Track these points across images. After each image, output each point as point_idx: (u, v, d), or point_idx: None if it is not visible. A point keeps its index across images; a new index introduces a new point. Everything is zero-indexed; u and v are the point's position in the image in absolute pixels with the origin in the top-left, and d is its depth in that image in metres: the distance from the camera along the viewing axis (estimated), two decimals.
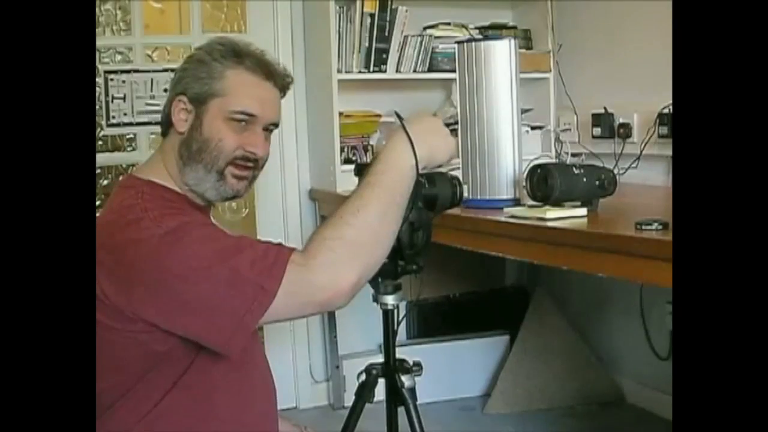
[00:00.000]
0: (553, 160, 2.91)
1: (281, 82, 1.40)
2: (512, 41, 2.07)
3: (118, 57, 2.91)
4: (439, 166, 1.34)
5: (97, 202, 2.84)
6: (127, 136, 2.95)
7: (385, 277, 1.50)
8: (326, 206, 3.01)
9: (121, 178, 2.90)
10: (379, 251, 1.21)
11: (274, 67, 1.39)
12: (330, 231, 1.17)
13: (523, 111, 2.65)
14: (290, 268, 1.14)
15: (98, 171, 2.90)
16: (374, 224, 1.18)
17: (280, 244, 1.20)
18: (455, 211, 1.72)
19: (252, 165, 1.37)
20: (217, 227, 1.28)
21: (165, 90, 1.43)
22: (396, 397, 1.57)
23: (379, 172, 1.22)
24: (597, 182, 1.88)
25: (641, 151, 2.62)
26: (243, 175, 1.37)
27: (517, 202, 2.04)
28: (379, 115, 2.99)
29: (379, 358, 1.63)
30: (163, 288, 1.17)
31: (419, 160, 1.23)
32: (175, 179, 1.36)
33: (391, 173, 1.22)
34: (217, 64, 1.34)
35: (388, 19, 2.86)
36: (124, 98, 2.86)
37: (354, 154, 2.90)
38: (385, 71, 2.89)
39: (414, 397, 1.56)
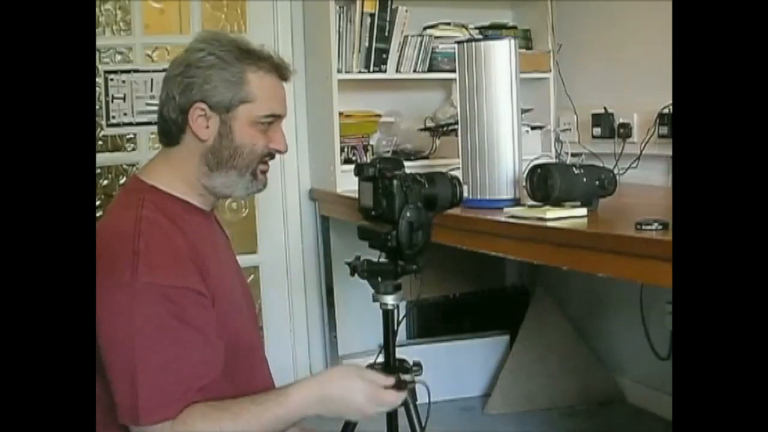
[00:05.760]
0: (553, 160, 2.91)
1: (288, 76, 1.43)
2: (512, 41, 2.07)
3: (118, 57, 2.91)
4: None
5: (97, 202, 2.84)
6: (127, 136, 2.95)
7: (385, 277, 1.50)
8: (326, 206, 3.02)
9: (125, 178, 2.94)
10: None
11: (283, 64, 1.41)
12: (203, 430, 1.20)
13: (523, 111, 2.65)
14: (155, 428, 1.18)
15: (98, 171, 2.90)
16: None
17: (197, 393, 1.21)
18: (455, 211, 1.72)
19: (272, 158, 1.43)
20: (185, 317, 1.25)
21: None
22: None
23: (274, 412, 1.25)
24: (597, 182, 1.88)
25: (641, 151, 2.62)
26: (267, 168, 1.43)
27: (517, 202, 2.04)
28: (379, 115, 3.00)
29: (379, 358, 1.62)
30: (98, 318, 1.17)
31: (321, 412, 1.30)
32: (189, 185, 1.36)
33: (283, 419, 1.26)
34: (234, 69, 1.33)
35: (388, 19, 2.86)
36: (124, 98, 2.86)
37: (354, 154, 2.90)
38: (385, 71, 2.89)
39: (414, 397, 1.56)
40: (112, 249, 1.19)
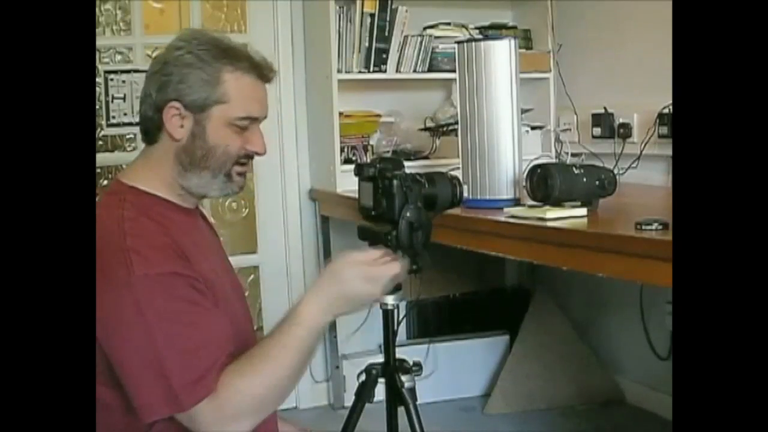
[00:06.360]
0: (553, 160, 2.91)
1: (270, 77, 1.40)
2: (512, 41, 2.07)
3: (118, 57, 2.91)
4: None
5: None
6: (127, 136, 2.95)
7: None
8: (326, 206, 3.02)
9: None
10: (280, 402, 1.28)
11: (263, 64, 1.38)
12: (245, 385, 1.20)
13: (523, 111, 2.65)
14: (201, 405, 1.18)
15: (98, 171, 2.90)
16: (284, 385, 1.27)
17: (212, 364, 1.20)
18: (455, 211, 1.71)
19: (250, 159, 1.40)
20: (189, 293, 1.25)
21: None
22: (396, 397, 1.57)
23: (296, 336, 1.26)
24: (597, 182, 1.88)
25: (641, 151, 2.62)
26: (245, 170, 1.40)
27: (517, 202, 2.04)
28: (379, 115, 3.00)
29: (379, 358, 1.63)
30: (103, 323, 1.17)
31: (336, 315, 1.30)
32: (168, 185, 1.35)
33: (308, 339, 1.27)
34: (211, 68, 1.31)
35: (388, 19, 2.86)
36: (124, 98, 2.87)
37: (354, 154, 2.90)
38: (385, 71, 2.89)
39: (414, 397, 1.56)
40: (102, 252, 1.19)
